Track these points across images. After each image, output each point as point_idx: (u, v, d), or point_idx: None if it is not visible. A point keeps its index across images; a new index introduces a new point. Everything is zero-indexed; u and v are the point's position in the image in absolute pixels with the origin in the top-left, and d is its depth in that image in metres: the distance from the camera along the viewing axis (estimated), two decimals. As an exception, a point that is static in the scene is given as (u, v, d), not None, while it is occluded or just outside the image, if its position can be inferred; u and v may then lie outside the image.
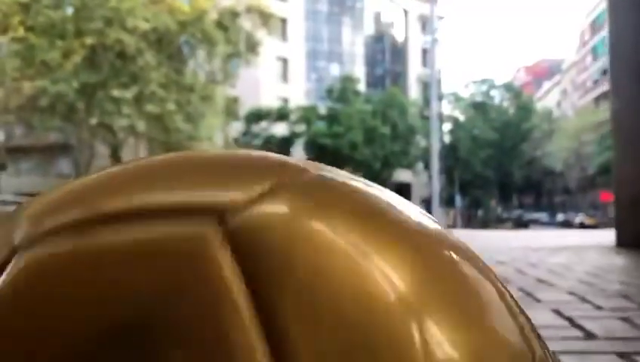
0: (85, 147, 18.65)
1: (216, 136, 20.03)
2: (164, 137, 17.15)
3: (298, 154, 26.69)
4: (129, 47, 15.60)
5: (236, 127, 25.98)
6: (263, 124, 26.42)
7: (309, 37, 30.54)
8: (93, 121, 15.59)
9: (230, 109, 21.57)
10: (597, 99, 43.50)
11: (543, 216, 47.24)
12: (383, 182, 26.73)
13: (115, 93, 15.73)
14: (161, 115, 16.73)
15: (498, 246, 5.43)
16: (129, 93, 15.85)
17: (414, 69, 33.73)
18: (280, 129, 26.62)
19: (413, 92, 32.34)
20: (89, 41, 15.33)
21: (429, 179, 29.20)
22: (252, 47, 18.75)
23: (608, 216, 38.69)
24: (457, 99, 34.32)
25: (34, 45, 14.62)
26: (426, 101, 29.77)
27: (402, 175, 28.88)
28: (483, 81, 34.98)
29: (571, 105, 49.60)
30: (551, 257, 3.73)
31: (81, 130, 17.75)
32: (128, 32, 15.49)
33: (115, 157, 24.44)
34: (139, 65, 15.99)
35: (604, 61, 42.94)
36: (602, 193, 39.06)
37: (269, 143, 26.06)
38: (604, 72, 43.04)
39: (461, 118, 33.81)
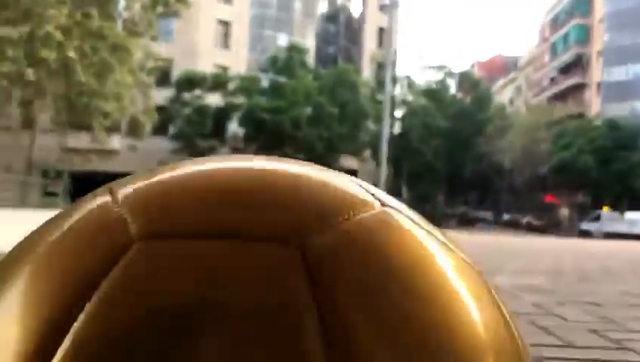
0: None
1: (136, 99, 17.04)
2: (62, 90, 14.10)
3: (233, 129, 23.88)
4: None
5: (166, 94, 22.94)
6: (197, 91, 23.39)
7: (255, 1, 27.58)
8: (-34, 62, 12.43)
9: (156, 70, 18.59)
10: (552, 98, 42.27)
11: (488, 214, 45.93)
12: (327, 168, 24.20)
13: (-1, 30, 12.63)
14: (60, 64, 13.69)
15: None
16: (16, 33, 12.75)
17: (369, 48, 31.30)
18: (215, 99, 23.69)
19: (366, 72, 29.92)
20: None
21: (375, 168, 26.93)
22: (181, -5, 15.85)
23: (555, 218, 37.57)
24: (411, 84, 32.10)
25: None
26: (379, 83, 27.39)
27: (348, 162, 26.47)
28: (440, 68, 32.90)
29: (525, 103, 48.37)
30: None
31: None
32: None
33: (26, 116, 20.87)
34: (33, -1, 12.92)
35: (562, 59, 41.69)
36: (547, 195, 37.90)
37: (201, 114, 23.08)
38: (562, 70, 41.81)
39: (414, 104, 31.62)
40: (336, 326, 0.24)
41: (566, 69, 41.39)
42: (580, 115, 36.63)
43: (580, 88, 39.90)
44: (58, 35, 13.07)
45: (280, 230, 0.26)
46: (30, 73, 12.96)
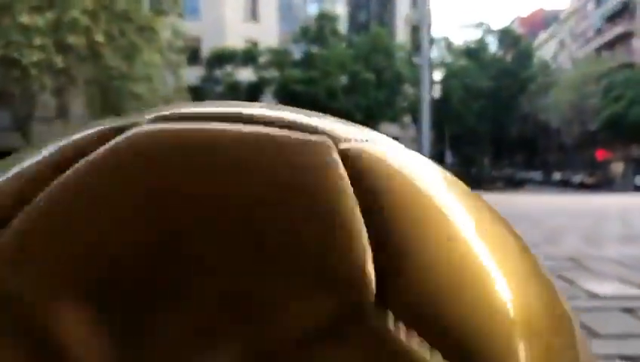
0: (26, 95, 15.42)
1: (167, 79, 16.80)
2: (92, 75, 13.95)
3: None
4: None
5: (197, 72, 22.71)
6: (227, 68, 23.07)
7: (283, -30, 26.95)
8: (-5, 54, 12.35)
9: (185, 49, 18.30)
10: (599, 49, 40.44)
11: (536, 175, 44.61)
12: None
13: (25, 19, 12.46)
14: (88, 49, 13.52)
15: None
16: (42, 20, 12.58)
17: (402, 10, 30.34)
18: (247, 75, 23.33)
19: (401, 36, 29.04)
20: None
21: (417, 134, 26.17)
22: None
23: (608, 175, 36.15)
24: (449, 44, 31.06)
25: None
26: (415, 46, 26.50)
27: (388, 129, 25.85)
28: (478, 25, 31.68)
29: (569, 56, 46.51)
30: None
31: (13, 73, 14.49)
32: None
33: (61, 106, 21.01)
34: (55, -16, 12.72)
35: (607, 7, 39.69)
36: (598, 151, 36.50)
37: (233, 90, 22.78)
38: (608, 19, 39.83)
39: (453, 65, 30.62)
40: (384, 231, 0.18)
41: (612, 18, 39.45)
42: (630, 65, 34.87)
43: (628, 37, 37.98)
44: (85, 20, 12.88)
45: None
46: (59, 60, 12.82)
